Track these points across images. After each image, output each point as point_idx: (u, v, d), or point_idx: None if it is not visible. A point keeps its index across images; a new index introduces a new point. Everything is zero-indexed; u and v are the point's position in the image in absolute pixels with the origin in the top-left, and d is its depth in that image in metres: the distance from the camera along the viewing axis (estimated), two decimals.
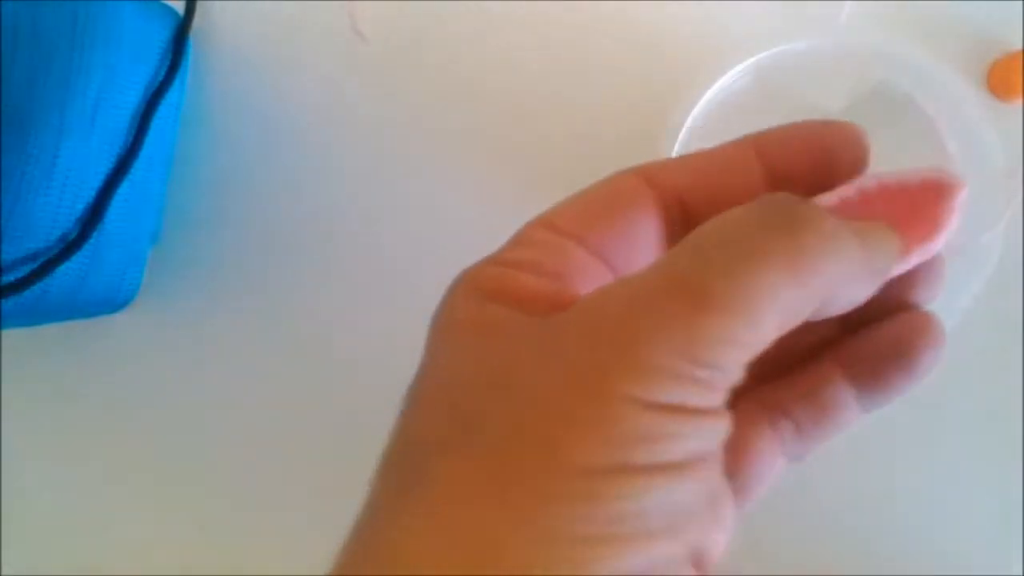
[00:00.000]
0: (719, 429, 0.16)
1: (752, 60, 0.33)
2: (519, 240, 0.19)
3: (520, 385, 0.16)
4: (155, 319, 0.41)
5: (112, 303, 0.39)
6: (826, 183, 0.20)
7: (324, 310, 0.40)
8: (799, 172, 0.20)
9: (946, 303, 0.33)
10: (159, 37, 0.38)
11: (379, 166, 0.40)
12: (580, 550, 0.15)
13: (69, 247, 0.34)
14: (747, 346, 0.16)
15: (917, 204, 0.20)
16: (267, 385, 0.40)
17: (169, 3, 0.40)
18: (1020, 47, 0.37)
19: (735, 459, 0.19)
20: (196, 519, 0.40)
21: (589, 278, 0.19)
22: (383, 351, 0.40)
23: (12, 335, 0.41)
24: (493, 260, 0.19)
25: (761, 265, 0.16)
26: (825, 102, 0.36)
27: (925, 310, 0.20)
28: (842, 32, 0.38)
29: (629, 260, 0.19)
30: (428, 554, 0.15)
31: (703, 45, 0.38)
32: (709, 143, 0.34)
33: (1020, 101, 0.37)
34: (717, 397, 0.16)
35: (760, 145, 0.20)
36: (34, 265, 0.33)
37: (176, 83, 0.38)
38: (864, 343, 0.20)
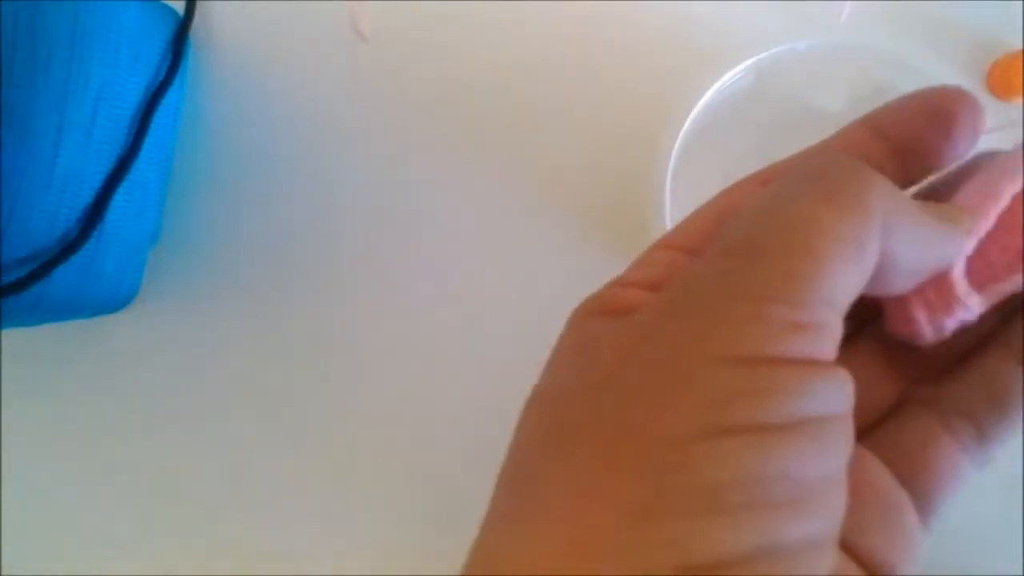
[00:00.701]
0: (831, 386, 0.15)
1: (752, 60, 0.33)
2: (639, 262, 0.20)
3: (609, 384, 0.16)
4: (155, 319, 0.41)
5: (112, 303, 0.39)
6: (947, 152, 0.19)
7: (323, 310, 0.40)
8: (922, 143, 0.19)
9: None
10: (159, 37, 0.38)
11: (378, 166, 0.40)
12: (680, 526, 0.13)
13: (69, 247, 0.34)
14: (816, 279, 0.15)
15: None
16: (267, 385, 0.40)
17: (169, 3, 0.40)
18: (1020, 47, 0.37)
19: (910, 468, 0.18)
20: (196, 519, 0.40)
21: None
22: (383, 350, 0.40)
23: (12, 335, 0.41)
24: (610, 283, 0.19)
25: (798, 200, 0.16)
26: (825, 102, 0.36)
27: None
28: (842, 32, 0.38)
29: None
30: (526, 559, 0.15)
31: (703, 45, 0.38)
32: (709, 143, 0.34)
33: (1020, 101, 0.37)
34: (813, 344, 0.15)
35: (876, 123, 0.20)
36: (34, 265, 0.33)
37: (176, 83, 0.38)
38: None
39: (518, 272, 0.39)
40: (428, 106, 0.40)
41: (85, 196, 0.34)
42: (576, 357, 0.17)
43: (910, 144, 0.19)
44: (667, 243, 0.20)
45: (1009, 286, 0.20)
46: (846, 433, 0.15)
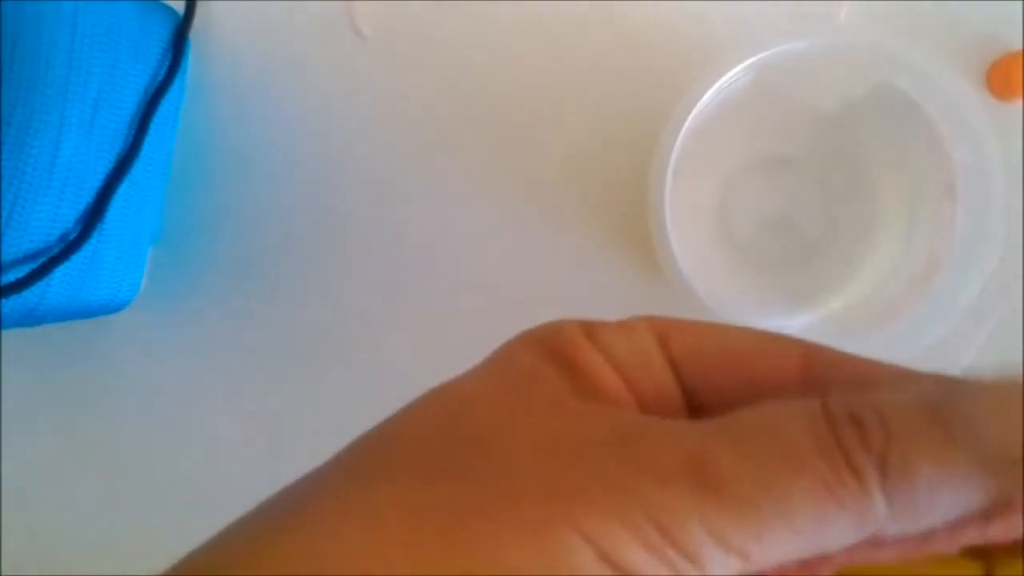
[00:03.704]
0: None
1: (752, 60, 0.33)
2: (630, 325, 0.18)
3: (482, 452, 0.16)
4: (155, 319, 0.41)
5: (112, 303, 0.39)
6: None
7: (324, 310, 0.40)
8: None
9: (947, 302, 0.33)
10: (159, 37, 0.38)
11: (378, 165, 0.40)
12: None
13: (69, 247, 0.34)
14: (734, 551, 0.14)
15: None
16: (268, 385, 0.40)
17: (169, 3, 0.40)
18: (1020, 47, 0.37)
19: None
20: (196, 519, 0.40)
21: None
22: (384, 350, 0.40)
23: (12, 335, 0.41)
24: (587, 330, 0.18)
25: (794, 487, 0.14)
26: (825, 102, 0.36)
27: None
28: (842, 32, 0.38)
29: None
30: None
31: (703, 45, 0.38)
32: (709, 143, 0.34)
33: (1020, 101, 0.37)
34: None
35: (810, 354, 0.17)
36: (34, 265, 0.33)
37: (176, 83, 0.38)
38: None
39: (516, 271, 0.39)
40: (428, 106, 0.40)
41: (85, 196, 0.34)
42: (499, 391, 0.17)
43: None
44: (665, 329, 0.18)
45: None
46: None
